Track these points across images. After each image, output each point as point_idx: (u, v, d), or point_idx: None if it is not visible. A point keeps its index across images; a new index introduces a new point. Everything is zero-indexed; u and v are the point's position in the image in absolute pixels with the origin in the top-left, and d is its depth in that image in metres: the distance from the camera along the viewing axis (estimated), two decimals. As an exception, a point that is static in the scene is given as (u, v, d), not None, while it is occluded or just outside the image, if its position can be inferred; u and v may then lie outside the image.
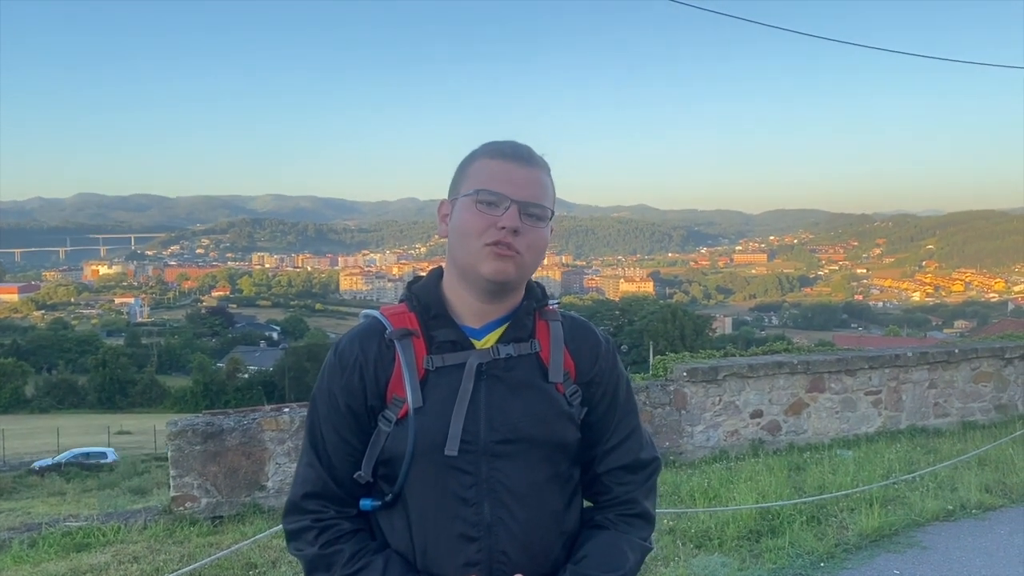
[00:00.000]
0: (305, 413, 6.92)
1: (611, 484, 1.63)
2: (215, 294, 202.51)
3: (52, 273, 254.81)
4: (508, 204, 1.46)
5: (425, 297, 1.55)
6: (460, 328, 1.53)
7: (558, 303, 1.65)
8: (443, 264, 1.60)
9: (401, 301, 1.61)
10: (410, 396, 1.48)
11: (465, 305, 1.53)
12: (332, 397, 1.53)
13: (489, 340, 1.53)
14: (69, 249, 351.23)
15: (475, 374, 1.49)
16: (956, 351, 9.38)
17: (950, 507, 5.95)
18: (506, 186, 1.47)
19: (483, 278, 1.47)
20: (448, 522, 1.47)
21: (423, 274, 1.64)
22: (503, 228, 1.44)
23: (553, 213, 1.54)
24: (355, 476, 1.53)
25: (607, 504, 1.64)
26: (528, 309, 1.57)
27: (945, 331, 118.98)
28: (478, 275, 1.47)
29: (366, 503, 1.54)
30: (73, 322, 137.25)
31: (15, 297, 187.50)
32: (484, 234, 1.45)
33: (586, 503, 1.68)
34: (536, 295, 1.60)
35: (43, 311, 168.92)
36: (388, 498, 1.52)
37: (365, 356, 1.52)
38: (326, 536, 1.51)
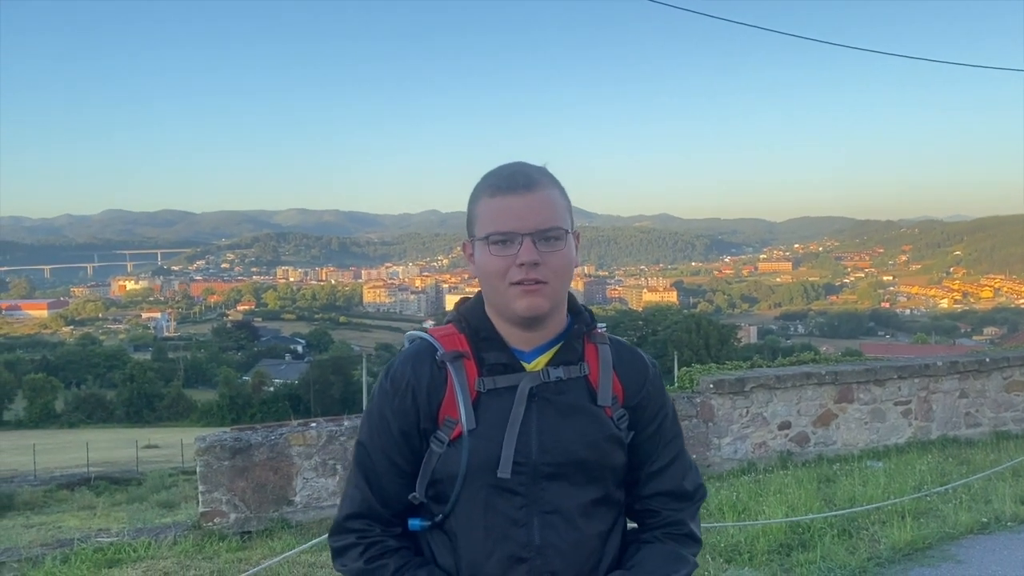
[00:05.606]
0: (332, 428, 6.96)
1: (658, 508, 1.64)
2: (240, 308, 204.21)
3: (80, 289, 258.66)
4: (520, 239, 1.46)
5: (474, 319, 1.57)
6: (511, 350, 1.54)
7: (605, 326, 1.66)
8: None
9: (448, 322, 1.62)
10: (464, 418, 1.49)
11: (510, 332, 1.55)
12: (384, 420, 1.55)
13: (539, 363, 1.55)
14: (97, 265, 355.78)
15: (526, 397, 1.51)
16: (987, 360, 9.25)
17: (984, 519, 5.84)
18: (513, 222, 1.46)
19: (518, 316, 1.49)
20: (498, 543, 1.48)
21: (470, 295, 1.65)
22: (523, 265, 1.45)
23: (570, 228, 1.52)
24: (410, 497, 1.55)
25: (653, 526, 1.65)
26: (578, 333, 1.58)
27: (974, 338, 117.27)
28: (513, 313, 1.50)
29: (415, 523, 1.56)
30: (101, 337, 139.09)
31: (45, 313, 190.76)
32: (507, 275, 1.47)
33: (631, 525, 1.69)
34: (585, 319, 1.61)
35: (72, 327, 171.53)
36: (438, 518, 1.53)
37: (417, 378, 1.54)
38: (371, 552, 1.54)
